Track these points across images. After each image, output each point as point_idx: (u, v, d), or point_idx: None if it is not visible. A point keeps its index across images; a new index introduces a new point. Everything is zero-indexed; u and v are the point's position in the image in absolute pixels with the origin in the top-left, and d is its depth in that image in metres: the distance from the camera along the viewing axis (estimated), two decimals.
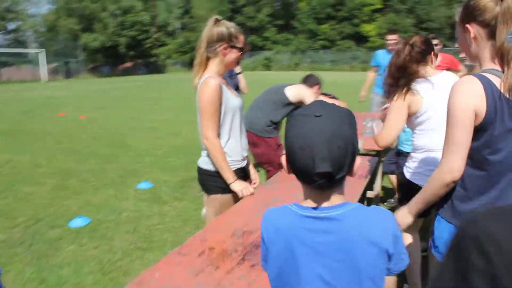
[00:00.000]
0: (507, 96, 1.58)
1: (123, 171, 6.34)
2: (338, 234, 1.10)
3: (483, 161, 1.66)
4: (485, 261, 0.57)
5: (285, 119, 4.15)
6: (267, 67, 44.70)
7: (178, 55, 48.29)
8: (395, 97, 2.49)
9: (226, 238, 1.94)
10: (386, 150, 4.13)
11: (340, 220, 1.10)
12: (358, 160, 1.13)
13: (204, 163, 2.60)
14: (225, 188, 2.55)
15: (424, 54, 2.52)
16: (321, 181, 1.06)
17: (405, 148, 3.57)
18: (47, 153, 7.68)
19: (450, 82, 2.33)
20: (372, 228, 1.11)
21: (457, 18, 1.81)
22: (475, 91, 1.58)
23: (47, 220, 4.45)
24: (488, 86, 1.58)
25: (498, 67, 1.62)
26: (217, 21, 2.50)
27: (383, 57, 6.65)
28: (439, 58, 4.13)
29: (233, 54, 2.52)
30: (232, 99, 2.53)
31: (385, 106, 6.15)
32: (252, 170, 2.88)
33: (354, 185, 2.72)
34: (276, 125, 3.92)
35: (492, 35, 1.62)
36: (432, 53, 2.55)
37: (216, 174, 2.54)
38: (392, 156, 4.22)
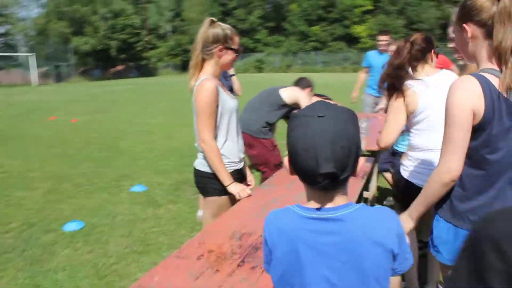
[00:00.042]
0: (505, 95, 1.58)
1: (116, 175, 6.30)
2: (342, 235, 1.09)
3: (481, 161, 1.66)
4: (502, 261, 0.56)
5: (281, 121, 4.17)
6: (259, 69, 44.73)
7: (170, 58, 48.17)
8: (394, 97, 2.49)
9: (225, 241, 1.92)
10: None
11: (344, 221, 1.10)
12: (362, 160, 1.12)
13: (200, 165, 2.58)
14: (222, 190, 2.54)
15: (424, 52, 2.51)
16: (325, 182, 1.05)
17: (400, 148, 3.57)
18: (39, 157, 7.61)
19: (449, 81, 2.34)
20: (376, 228, 1.10)
21: (453, 18, 1.81)
22: (473, 90, 1.59)
23: (40, 224, 4.40)
24: (486, 85, 1.58)
25: (495, 67, 1.63)
26: (212, 22, 2.49)
27: (374, 58, 6.68)
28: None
29: (228, 56, 2.51)
30: (228, 101, 2.52)
31: (379, 107, 6.17)
32: (247, 172, 2.87)
33: (351, 185, 2.71)
34: (271, 126, 3.92)
35: (489, 34, 1.62)
36: (433, 51, 2.54)
37: (213, 176, 2.52)
38: (387, 156, 4.23)
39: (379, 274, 1.10)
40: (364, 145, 3.43)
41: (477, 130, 1.62)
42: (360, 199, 4.00)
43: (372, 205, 3.86)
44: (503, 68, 1.59)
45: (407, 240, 1.12)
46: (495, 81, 1.59)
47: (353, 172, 1.10)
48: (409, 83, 2.48)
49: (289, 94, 3.94)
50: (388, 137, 2.51)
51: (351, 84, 7.22)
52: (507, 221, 0.60)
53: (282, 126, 4.31)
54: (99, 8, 40.43)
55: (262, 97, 3.97)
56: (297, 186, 2.76)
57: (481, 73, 1.63)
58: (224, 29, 2.48)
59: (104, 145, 8.64)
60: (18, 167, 6.89)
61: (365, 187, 4.05)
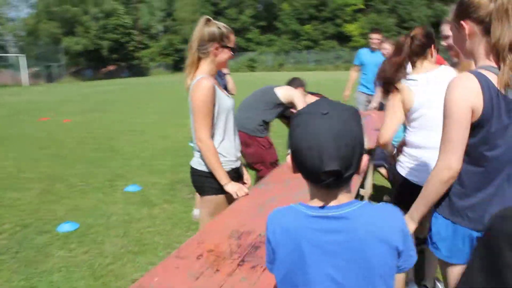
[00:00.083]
0: (503, 92, 1.58)
1: (110, 175, 6.26)
2: (347, 233, 1.08)
3: (480, 158, 1.66)
4: None
5: (275, 120, 4.16)
6: (251, 68, 44.75)
7: (161, 57, 48.05)
8: (390, 94, 2.49)
9: (224, 240, 1.90)
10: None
11: (348, 219, 1.09)
12: (365, 158, 1.11)
13: (197, 164, 2.57)
14: (219, 189, 2.52)
15: (424, 47, 2.49)
16: (329, 180, 1.04)
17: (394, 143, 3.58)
18: (31, 158, 7.54)
19: (448, 77, 2.34)
20: (381, 225, 1.09)
21: (451, 15, 1.81)
22: (472, 88, 1.58)
23: (34, 225, 4.36)
24: (484, 82, 1.58)
25: (493, 64, 1.63)
26: (208, 21, 2.48)
27: (366, 56, 6.69)
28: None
29: (224, 54, 2.50)
30: (225, 100, 2.51)
31: (372, 105, 6.17)
32: (244, 171, 2.86)
33: None
34: (267, 125, 3.92)
35: (486, 31, 1.62)
36: (433, 46, 2.53)
37: (210, 175, 2.51)
38: (381, 151, 4.25)
39: (384, 272, 1.10)
40: (367, 143, 3.44)
41: (475, 127, 1.62)
42: (357, 196, 4.02)
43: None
44: (501, 65, 1.60)
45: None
46: (493, 78, 1.59)
47: (357, 170, 1.09)
48: (405, 80, 2.48)
49: (284, 93, 3.94)
50: (385, 134, 2.53)
51: (343, 83, 7.24)
52: None
53: (276, 125, 4.34)
54: (90, 8, 40.20)
55: (257, 96, 3.97)
56: (294, 184, 2.77)
57: (479, 70, 1.63)
58: (220, 28, 2.46)
59: (97, 145, 8.58)
60: (11, 168, 6.82)
61: (361, 185, 4.06)
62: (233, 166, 2.63)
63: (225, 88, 5.09)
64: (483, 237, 0.65)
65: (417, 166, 2.48)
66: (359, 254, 1.08)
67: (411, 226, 1.85)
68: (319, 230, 1.10)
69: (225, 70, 5.07)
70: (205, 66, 2.46)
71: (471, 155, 1.66)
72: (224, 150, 2.53)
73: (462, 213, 1.73)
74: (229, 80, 5.00)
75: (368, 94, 6.58)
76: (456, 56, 3.15)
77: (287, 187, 2.72)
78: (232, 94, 5.28)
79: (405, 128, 3.07)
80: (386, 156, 4.06)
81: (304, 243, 1.11)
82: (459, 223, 1.74)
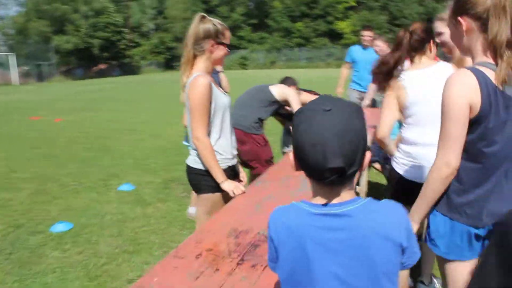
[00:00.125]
0: (501, 88, 1.58)
1: (103, 174, 6.21)
2: (351, 231, 1.07)
3: (478, 154, 1.66)
4: None
5: (269, 118, 4.15)
6: (243, 66, 44.68)
7: (153, 56, 47.83)
8: (387, 89, 2.49)
9: (222, 239, 1.89)
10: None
11: (352, 216, 1.08)
12: (368, 154, 1.10)
13: (193, 162, 2.55)
14: (216, 187, 2.51)
15: (423, 42, 2.48)
16: (333, 177, 1.03)
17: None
18: (23, 158, 7.47)
19: (446, 73, 2.34)
20: (385, 222, 1.08)
21: (448, 11, 1.81)
22: (470, 84, 1.58)
23: (27, 226, 4.31)
24: (482, 79, 1.58)
25: (491, 60, 1.63)
26: (203, 18, 2.46)
27: (358, 53, 6.68)
28: None
29: (220, 51, 2.48)
30: (221, 97, 2.49)
31: (364, 103, 6.18)
32: (240, 169, 2.85)
33: None
34: (262, 122, 3.91)
35: (484, 28, 1.62)
36: (432, 41, 2.51)
37: (206, 173, 2.49)
38: (375, 147, 4.25)
39: (389, 269, 1.09)
40: (370, 139, 3.44)
41: (473, 123, 1.62)
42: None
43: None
44: (499, 62, 1.59)
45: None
46: (490, 74, 1.59)
47: (360, 167, 1.08)
48: (400, 76, 2.48)
49: (279, 91, 3.95)
50: (382, 130, 2.53)
51: (335, 80, 7.23)
52: None
53: (270, 123, 4.33)
54: (80, 6, 39.87)
55: (252, 94, 3.96)
56: (291, 182, 2.76)
57: (477, 67, 1.63)
58: (215, 24, 2.44)
59: (89, 144, 8.52)
60: (2, 168, 6.75)
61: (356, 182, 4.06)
62: (230, 164, 2.61)
63: (219, 86, 5.09)
64: (497, 235, 0.64)
65: (411, 162, 2.48)
66: (363, 252, 1.07)
67: (413, 228, 1.83)
68: (322, 227, 1.09)
69: (218, 68, 5.06)
70: (201, 64, 2.44)
71: (469, 151, 1.66)
72: (220, 148, 2.51)
73: (460, 209, 1.72)
74: (223, 77, 4.98)
75: (360, 91, 6.57)
76: (449, 53, 3.15)
77: (284, 185, 2.71)
78: (226, 92, 5.27)
79: (400, 124, 3.08)
80: (380, 151, 4.07)
81: (307, 241, 1.10)
82: (457, 219, 1.73)
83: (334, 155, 1.01)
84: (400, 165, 2.53)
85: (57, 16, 39.03)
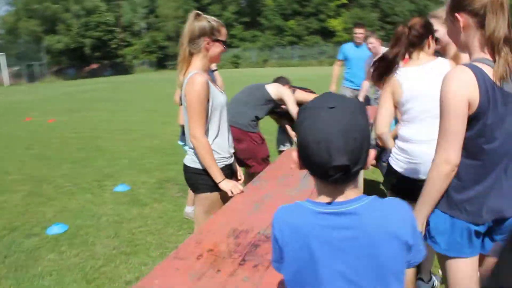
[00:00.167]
0: (499, 84, 1.58)
1: (98, 175, 6.17)
2: (357, 229, 1.07)
3: (477, 151, 1.65)
4: None
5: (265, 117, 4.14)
6: (236, 64, 44.58)
7: (145, 55, 47.62)
8: (383, 86, 2.49)
9: (222, 239, 1.87)
10: None
11: (358, 214, 1.07)
12: (372, 152, 1.09)
13: (191, 161, 2.53)
14: (214, 186, 2.49)
15: (422, 38, 2.45)
16: (337, 175, 1.02)
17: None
18: (16, 159, 7.41)
19: (444, 70, 2.33)
20: (391, 220, 1.08)
21: (446, 7, 1.80)
22: (468, 81, 1.58)
23: (22, 229, 4.27)
24: (480, 75, 1.58)
25: (488, 56, 1.63)
26: (197, 15, 2.44)
27: (350, 51, 6.67)
28: None
29: (216, 48, 2.46)
30: (218, 96, 2.47)
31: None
32: (237, 167, 2.83)
33: None
34: (258, 121, 3.90)
35: (481, 24, 1.62)
36: (430, 37, 2.48)
37: (204, 172, 2.48)
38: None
39: (396, 268, 1.08)
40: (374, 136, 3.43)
41: (472, 120, 1.61)
42: None
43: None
44: (496, 58, 1.59)
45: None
46: (488, 70, 1.59)
47: (364, 164, 1.08)
48: (396, 72, 2.47)
49: (275, 89, 3.95)
50: (379, 126, 2.53)
51: (328, 78, 7.23)
52: None
53: (265, 122, 4.31)
54: (71, 5, 39.61)
55: (248, 92, 3.95)
56: (289, 181, 2.76)
57: (474, 63, 1.63)
58: (210, 21, 2.42)
59: (83, 145, 8.46)
60: None
61: None
62: (227, 163, 2.60)
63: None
64: None
65: (407, 159, 2.47)
66: (370, 250, 1.06)
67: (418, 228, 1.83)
68: (328, 226, 1.08)
69: (212, 66, 5.04)
70: (198, 62, 2.42)
71: (468, 148, 1.66)
72: (217, 146, 2.50)
73: (460, 206, 1.72)
74: (217, 76, 4.96)
75: (354, 89, 6.57)
76: (442, 50, 3.16)
77: (282, 184, 2.70)
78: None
79: (396, 121, 3.08)
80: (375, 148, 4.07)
81: (313, 241, 1.09)
82: (457, 216, 1.73)
83: (339, 152, 1.00)
84: (396, 161, 2.53)
85: (48, 16, 38.77)
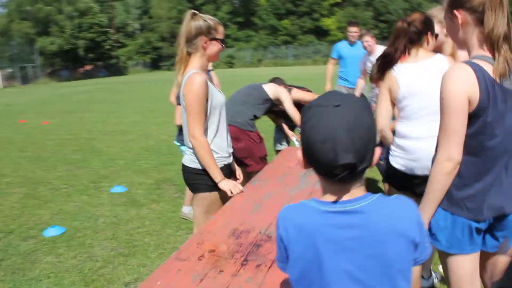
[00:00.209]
0: (498, 81, 1.58)
1: (95, 176, 6.14)
2: (364, 228, 1.06)
3: (478, 148, 1.65)
4: None
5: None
6: (230, 64, 44.57)
7: (139, 56, 47.54)
8: (381, 82, 2.49)
9: (224, 240, 1.86)
10: None
11: (364, 213, 1.06)
12: (378, 150, 1.09)
13: (189, 161, 2.51)
14: (213, 186, 2.48)
15: (420, 34, 2.43)
16: (344, 173, 1.01)
17: None
18: (11, 162, 7.36)
19: (442, 67, 2.33)
20: (398, 218, 1.07)
21: (444, 4, 1.80)
22: (467, 78, 1.58)
23: (18, 231, 4.24)
24: (479, 72, 1.57)
25: (487, 53, 1.62)
26: (194, 15, 2.42)
27: (345, 50, 6.67)
28: None
29: (214, 47, 2.45)
30: (217, 95, 2.46)
31: None
32: (236, 167, 2.83)
33: None
34: (256, 120, 3.90)
35: (480, 21, 1.61)
36: (430, 33, 2.46)
37: (203, 172, 2.46)
38: None
39: (403, 266, 1.07)
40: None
41: (472, 117, 1.61)
42: None
43: None
44: (496, 55, 1.59)
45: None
46: (488, 67, 1.59)
47: (371, 162, 1.07)
48: (393, 68, 2.46)
49: (272, 89, 3.94)
50: (379, 122, 2.52)
51: (323, 76, 7.21)
52: None
53: (261, 121, 4.30)
54: (64, 6, 39.42)
55: (246, 92, 3.94)
56: (288, 180, 2.75)
57: (474, 60, 1.62)
58: (206, 20, 2.41)
59: (78, 146, 8.41)
60: None
61: None
62: (226, 162, 2.58)
63: None
64: None
65: (404, 156, 2.47)
66: (377, 249, 1.05)
67: None
68: (334, 225, 1.07)
69: (208, 67, 5.03)
70: (196, 61, 2.41)
71: (469, 145, 1.65)
72: (216, 146, 2.48)
73: (461, 204, 1.72)
74: (213, 76, 4.95)
75: (349, 88, 6.57)
76: (438, 49, 3.16)
77: (281, 183, 2.70)
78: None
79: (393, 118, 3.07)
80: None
81: (318, 240, 1.08)
82: (458, 214, 1.73)
83: (345, 151, 0.99)
84: (394, 158, 2.53)
85: (41, 17, 38.59)
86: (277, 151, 4.66)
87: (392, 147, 2.57)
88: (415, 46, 2.44)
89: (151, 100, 16.16)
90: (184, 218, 4.29)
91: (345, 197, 1.09)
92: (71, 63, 40.80)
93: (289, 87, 4.31)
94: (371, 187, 4.85)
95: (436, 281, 2.92)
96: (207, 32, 2.40)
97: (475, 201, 1.70)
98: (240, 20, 49.92)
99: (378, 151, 1.08)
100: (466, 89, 1.57)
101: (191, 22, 2.39)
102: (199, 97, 2.31)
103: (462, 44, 1.75)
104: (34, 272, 3.38)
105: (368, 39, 5.52)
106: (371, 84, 4.49)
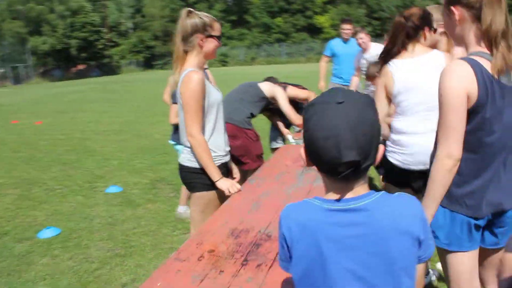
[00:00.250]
0: (497, 78, 1.58)
1: (89, 176, 6.10)
2: (368, 226, 1.04)
3: (476, 144, 1.65)
4: None
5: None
6: (224, 63, 44.50)
7: (132, 55, 47.37)
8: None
9: (223, 239, 1.85)
10: None
11: (368, 210, 1.05)
12: (381, 147, 1.07)
13: (186, 160, 2.49)
14: (210, 185, 2.46)
15: (417, 29, 2.40)
16: (347, 171, 1.00)
17: None
18: (4, 162, 7.29)
19: (438, 63, 2.33)
20: (402, 215, 1.06)
21: (442, 0, 1.80)
22: (466, 74, 1.57)
23: (13, 233, 4.20)
24: (477, 68, 1.57)
25: (485, 50, 1.62)
26: (189, 13, 2.40)
27: (338, 47, 6.65)
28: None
29: (210, 44, 2.43)
30: (214, 93, 2.44)
31: None
32: (233, 165, 2.81)
33: None
34: (252, 118, 3.88)
35: (477, 17, 1.61)
36: (427, 29, 2.42)
37: (200, 171, 2.44)
38: None
39: (407, 264, 1.07)
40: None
41: (470, 113, 1.61)
42: None
43: None
44: (494, 51, 1.58)
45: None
46: (485, 64, 1.58)
47: (374, 160, 1.06)
48: (389, 64, 2.46)
49: (267, 87, 3.92)
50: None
51: (316, 74, 7.20)
52: None
53: (256, 119, 4.29)
54: (56, 6, 39.17)
55: (242, 90, 3.92)
56: (286, 178, 2.74)
57: (472, 57, 1.62)
58: (202, 18, 2.39)
59: (72, 146, 8.36)
60: None
61: None
62: (222, 161, 2.56)
63: None
64: None
65: (400, 151, 2.47)
66: (381, 247, 1.04)
67: None
68: (338, 224, 1.06)
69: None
70: (193, 59, 2.39)
71: (467, 142, 1.65)
72: (213, 145, 2.46)
73: (460, 201, 1.71)
74: (209, 74, 4.93)
75: (343, 85, 6.55)
76: (433, 47, 3.16)
77: (279, 181, 2.68)
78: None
79: None
80: None
81: (321, 238, 1.07)
82: (457, 211, 1.72)
83: (349, 148, 0.98)
84: (391, 153, 2.53)
85: (32, 17, 38.33)
86: (273, 149, 4.64)
87: (388, 142, 2.57)
88: (412, 41, 2.43)
89: (144, 99, 16.10)
90: (180, 218, 4.27)
91: (349, 195, 1.07)
92: (63, 62, 40.57)
93: (284, 85, 4.30)
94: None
95: (433, 278, 2.91)
96: (203, 29, 2.38)
97: (474, 198, 1.69)
98: (233, 18, 49.85)
99: (381, 148, 1.07)
100: (465, 85, 1.57)
101: (187, 20, 2.37)
102: (196, 94, 2.29)
103: (459, 40, 1.74)
104: (30, 274, 3.35)
105: (363, 36, 5.52)
106: (365, 82, 4.49)
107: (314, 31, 45.54)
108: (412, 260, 1.08)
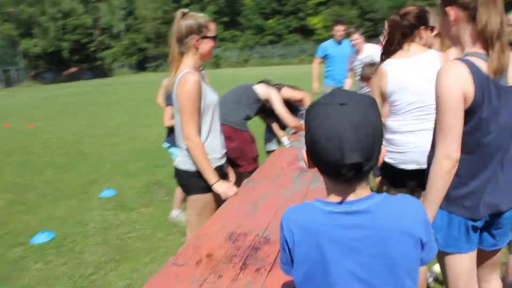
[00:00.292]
0: (493, 78, 1.58)
1: (83, 180, 6.05)
2: (370, 228, 1.04)
3: (473, 145, 1.64)
4: None
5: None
6: (216, 65, 44.42)
7: (125, 57, 47.20)
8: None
9: (221, 243, 1.83)
10: None
11: (371, 213, 1.04)
12: (384, 149, 1.07)
13: (182, 163, 2.47)
14: (206, 188, 2.44)
15: (412, 29, 2.39)
16: (350, 173, 0.99)
17: None
18: None
19: (434, 62, 2.33)
20: (405, 218, 1.05)
21: (438, 1, 1.80)
22: (462, 75, 1.57)
23: (6, 238, 4.15)
24: (474, 69, 1.57)
25: (480, 50, 1.62)
26: (184, 14, 2.39)
27: (331, 49, 6.64)
28: None
29: (206, 45, 2.41)
30: (210, 95, 2.42)
31: None
32: (229, 168, 2.79)
33: None
34: (247, 120, 3.87)
35: (472, 17, 1.61)
36: (423, 27, 2.41)
37: (197, 174, 2.42)
38: None
39: (409, 265, 1.06)
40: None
41: (467, 114, 1.60)
42: None
43: None
44: (490, 52, 1.58)
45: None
46: (481, 64, 1.58)
47: (377, 161, 1.05)
48: (383, 63, 2.46)
49: (262, 90, 3.91)
50: None
51: (309, 76, 7.20)
52: None
53: (252, 122, 4.27)
54: (48, 8, 38.94)
55: (238, 92, 3.90)
56: (282, 181, 2.72)
57: (467, 57, 1.61)
58: (197, 19, 2.37)
59: (65, 150, 8.30)
60: None
61: None
62: (218, 164, 2.54)
63: None
64: None
65: (394, 150, 2.48)
66: (384, 249, 1.03)
67: None
68: (340, 226, 1.05)
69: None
70: (188, 61, 2.37)
71: (465, 143, 1.64)
72: (209, 147, 2.44)
73: (458, 202, 1.71)
74: (204, 75, 4.91)
75: (336, 87, 6.55)
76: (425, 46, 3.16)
77: (276, 184, 2.67)
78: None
79: None
80: None
81: (323, 241, 1.06)
82: (454, 212, 1.72)
83: (351, 150, 0.97)
84: (386, 153, 2.52)
85: (24, 19, 38.07)
86: (268, 152, 4.62)
87: (383, 142, 2.57)
88: (407, 41, 2.42)
89: (137, 102, 16.03)
90: (172, 222, 4.24)
91: (351, 197, 1.06)
92: (55, 65, 40.33)
93: (279, 86, 4.28)
94: None
95: (430, 280, 2.91)
96: (198, 30, 2.36)
97: (471, 199, 1.69)
98: (225, 20, 49.81)
99: (383, 149, 1.06)
100: (461, 85, 1.57)
101: (182, 22, 2.36)
102: (192, 96, 2.27)
103: (455, 40, 1.74)
104: (24, 280, 3.31)
105: (357, 37, 5.51)
106: (359, 83, 4.49)
107: (306, 32, 45.59)
108: (415, 262, 1.07)
